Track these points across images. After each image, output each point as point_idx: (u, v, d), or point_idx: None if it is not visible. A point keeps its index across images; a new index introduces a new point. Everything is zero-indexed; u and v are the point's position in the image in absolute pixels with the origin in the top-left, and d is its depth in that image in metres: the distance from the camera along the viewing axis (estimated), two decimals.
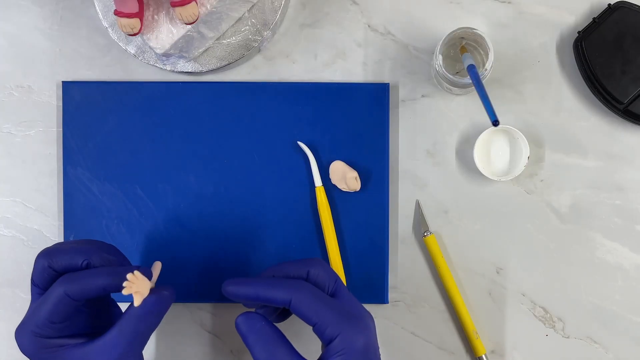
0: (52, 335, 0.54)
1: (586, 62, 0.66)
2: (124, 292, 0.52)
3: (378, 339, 0.69)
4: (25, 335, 0.54)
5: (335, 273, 0.57)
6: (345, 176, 0.68)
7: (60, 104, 0.70)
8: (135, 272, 0.53)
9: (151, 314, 0.55)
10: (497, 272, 0.69)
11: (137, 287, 0.52)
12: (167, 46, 0.65)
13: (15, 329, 0.55)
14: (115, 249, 0.58)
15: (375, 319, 0.69)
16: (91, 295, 0.53)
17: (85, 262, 0.55)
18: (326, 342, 0.54)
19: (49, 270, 0.55)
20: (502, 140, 0.68)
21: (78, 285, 0.53)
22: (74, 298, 0.53)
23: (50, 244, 0.70)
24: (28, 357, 0.54)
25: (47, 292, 0.54)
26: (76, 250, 0.55)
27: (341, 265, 0.68)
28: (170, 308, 0.70)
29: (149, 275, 0.54)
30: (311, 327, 0.55)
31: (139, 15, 0.63)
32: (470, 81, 0.61)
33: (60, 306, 0.53)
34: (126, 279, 0.52)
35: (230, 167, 0.69)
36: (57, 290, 0.53)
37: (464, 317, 0.68)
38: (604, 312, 0.69)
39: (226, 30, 0.69)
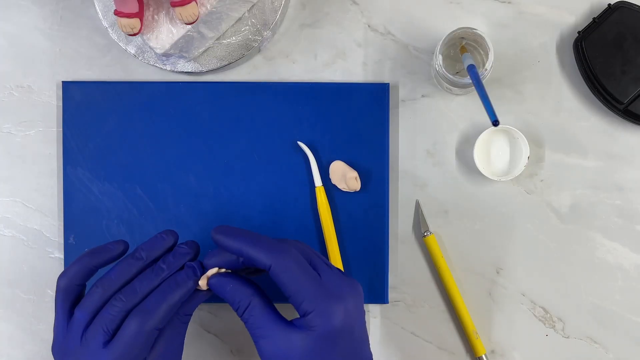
0: None
1: (586, 62, 0.66)
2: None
3: (378, 338, 0.69)
4: None
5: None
6: (345, 176, 0.68)
7: (60, 104, 0.70)
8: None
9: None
10: (497, 272, 0.69)
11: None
12: (167, 46, 0.65)
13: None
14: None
15: (375, 319, 0.69)
16: (172, 313, 0.55)
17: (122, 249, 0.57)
18: (300, 315, 0.54)
19: (93, 269, 0.56)
20: (502, 140, 0.68)
21: (156, 315, 0.54)
22: (159, 328, 0.54)
23: (50, 244, 0.70)
24: None
25: (124, 333, 0.53)
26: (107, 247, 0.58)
27: (341, 265, 0.68)
28: None
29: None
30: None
31: (139, 15, 0.63)
32: (470, 81, 0.61)
33: (148, 340, 0.54)
34: (197, 283, 0.56)
35: (230, 167, 0.69)
36: (141, 328, 0.53)
37: (464, 317, 0.68)
38: (604, 312, 0.69)
39: (226, 30, 0.69)
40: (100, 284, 0.55)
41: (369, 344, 0.56)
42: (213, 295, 0.69)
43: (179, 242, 0.58)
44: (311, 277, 0.54)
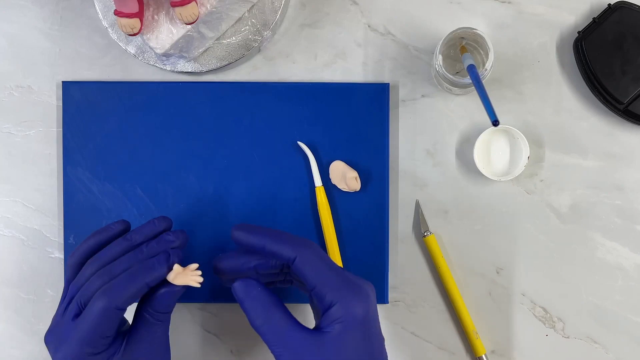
0: (102, 350, 0.55)
1: (586, 62, 0.66)
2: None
3: None
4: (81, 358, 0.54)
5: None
6: (345, 176, 0.68)
7: (60, 104, 0.70)
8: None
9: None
10: (497, 272, 0.69)
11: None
12: (167, 46, 0.65)
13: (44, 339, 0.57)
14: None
15: None
16: (137, 296, 0.55)
17: (119, 228, 0.58)
18: (324, 308, 0.53)
19: (98, 248, 0.57)
20: (502, 140, 0.68)
21: (118, 294, 0.54)
22: (121, 308, 0.54)
23: (50, 244, 0.70)
24: None
25: (88, 309, 0.54)
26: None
27: (341, 265, 0.68)
28: None
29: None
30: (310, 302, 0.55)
31: (139, 15, 0.63)
32: (470, 81, 0.61)
33: (109, 319, 0.54)
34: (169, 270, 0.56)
35: (230, 167, 0.69)
36: (102, 306, 0.53)
37: (464, 317, 0.68)
38: (604, 312, 0.69)
39: (226, 30, 0.69)
40: (92, 261, 0.57)
41: (384, 344, 0.56)
42: (213, 295, 0.69)
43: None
44: (334, 269, 0.54)
